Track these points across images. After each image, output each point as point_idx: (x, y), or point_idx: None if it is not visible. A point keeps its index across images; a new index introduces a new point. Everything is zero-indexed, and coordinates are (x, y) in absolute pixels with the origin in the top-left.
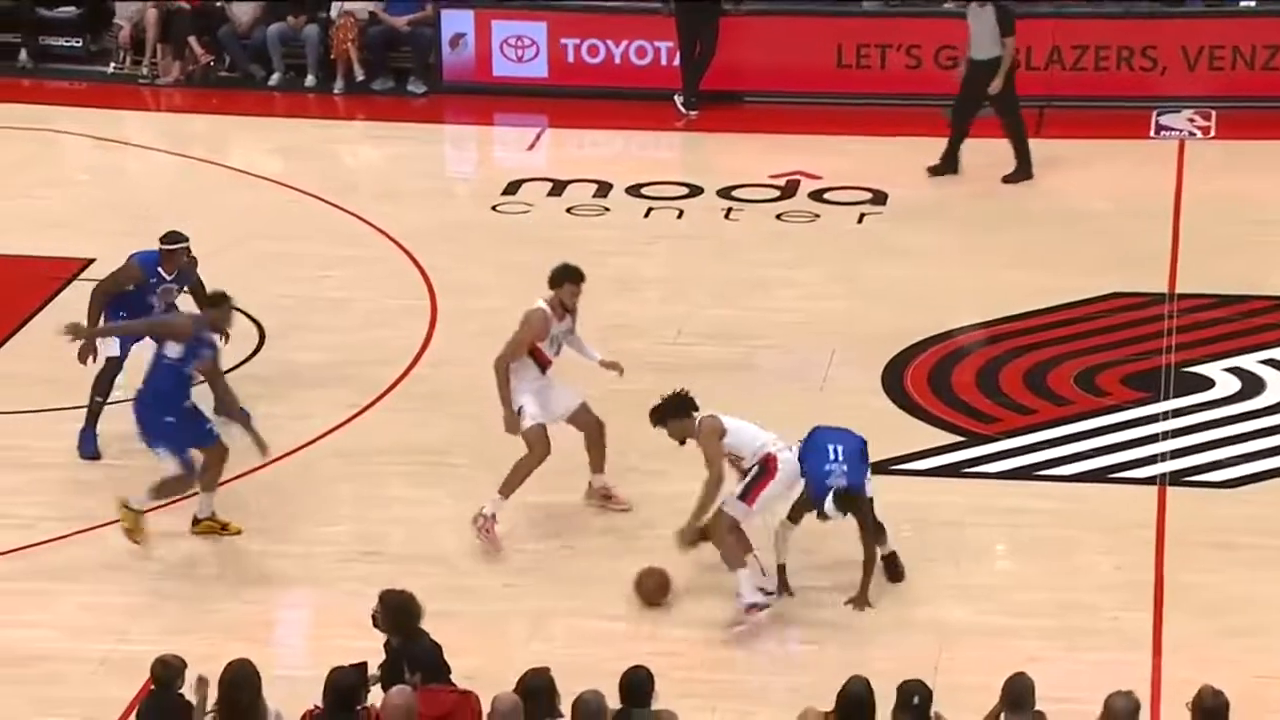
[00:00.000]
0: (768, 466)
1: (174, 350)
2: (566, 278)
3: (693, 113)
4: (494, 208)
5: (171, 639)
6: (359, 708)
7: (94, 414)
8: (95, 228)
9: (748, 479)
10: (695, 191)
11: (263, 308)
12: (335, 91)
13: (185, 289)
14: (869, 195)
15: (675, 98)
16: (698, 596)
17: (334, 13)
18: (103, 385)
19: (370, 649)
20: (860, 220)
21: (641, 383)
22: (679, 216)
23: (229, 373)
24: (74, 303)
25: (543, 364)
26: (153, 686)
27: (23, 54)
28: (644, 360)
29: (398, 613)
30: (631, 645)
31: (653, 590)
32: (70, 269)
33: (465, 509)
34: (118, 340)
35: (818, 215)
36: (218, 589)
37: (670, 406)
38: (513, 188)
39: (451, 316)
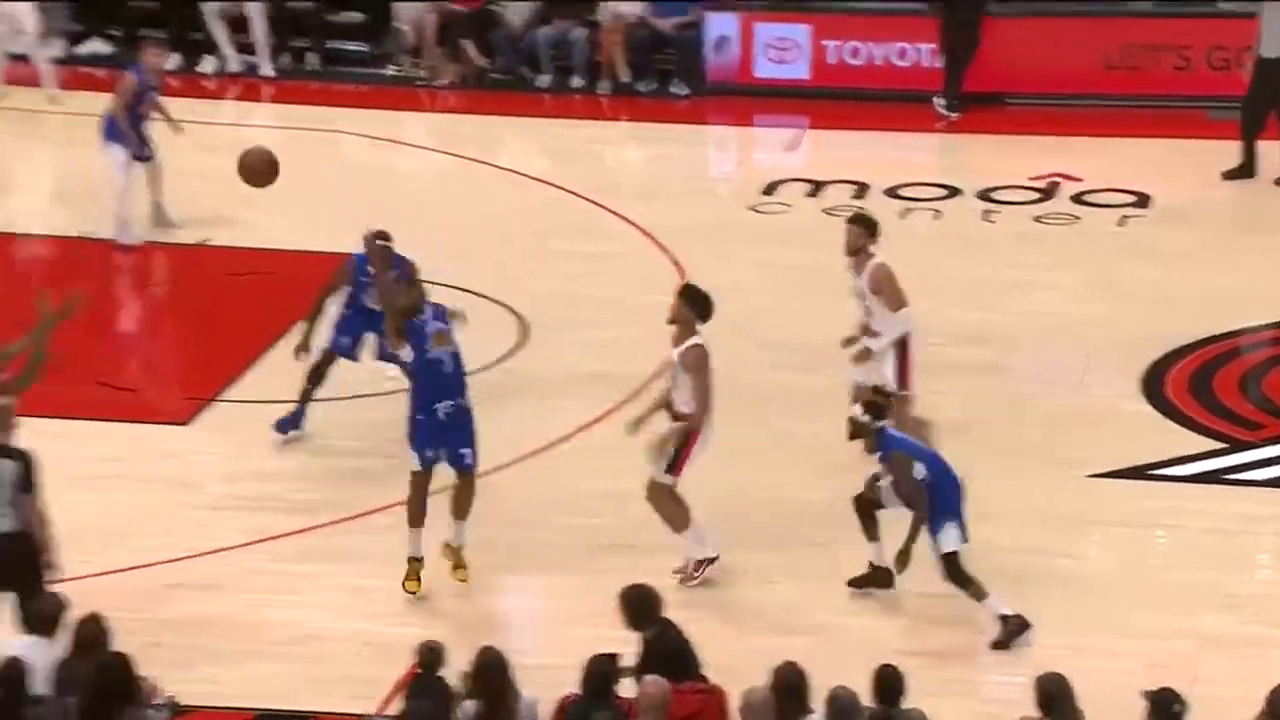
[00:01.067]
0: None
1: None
2: None
3: (953, 114)
4: (752, 208)
5: (433, 624)
6: (614, 696)
7: (306, 398)
8: (372, 222)
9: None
10: (953, 193)
11: (526, 303)
12: (601, 93)
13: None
14: (1132, 198)
15: (935, 99)
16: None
17: (602, 17)
18: (316, 376)
19: (624, 640)
20: (1122, 223)
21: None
22: (936, 218)
23: (493, 365)
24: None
25: None
26: (418, 670)
27: (312, 58)
28: None
29: (638, 606)
30: (886, 639)
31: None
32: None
33: (718, 504)
34: (334, 332)
35: (1077, 218)
36: (477, 577)
37: None
38: (771, 188)
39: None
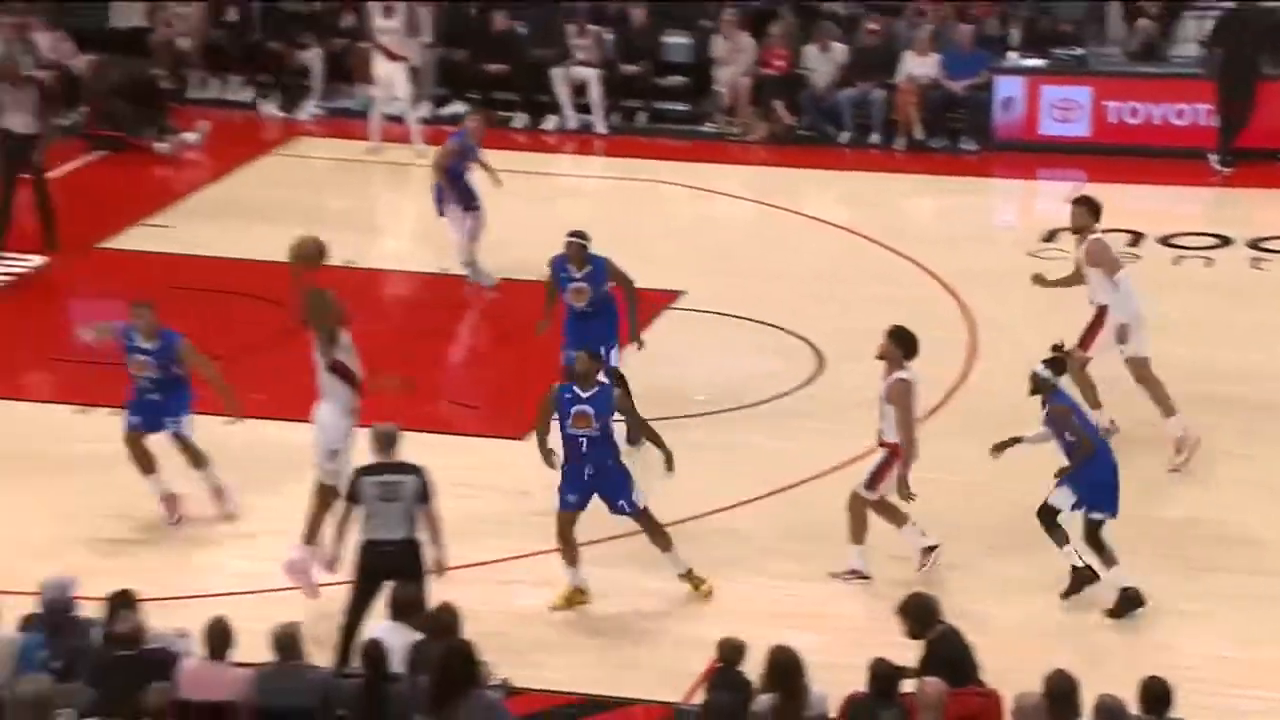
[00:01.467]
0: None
1: None
2: None
3: (1227, 170)
4: (1033, 254)
5: (734, 622)
6: (898, 695)
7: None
8: (687, 264)
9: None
10: (1225, 242)
11: (824, 338)
12: (896, 148)
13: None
14: None
15: (1210, 155)
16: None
17: (899, 79)
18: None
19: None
20: None
21: (1158, 419)
22: (1207, 265)
23: (792, 393)
24: (667, 330)
25: None
26: (719, 664)
27: (640, 116)
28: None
29: (919, 612)
30: (1142, 656)
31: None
32: (665, 299)
33: (999, 523)
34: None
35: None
36: (780, 585)
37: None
38: (1051, 236)
39: (988, 351)
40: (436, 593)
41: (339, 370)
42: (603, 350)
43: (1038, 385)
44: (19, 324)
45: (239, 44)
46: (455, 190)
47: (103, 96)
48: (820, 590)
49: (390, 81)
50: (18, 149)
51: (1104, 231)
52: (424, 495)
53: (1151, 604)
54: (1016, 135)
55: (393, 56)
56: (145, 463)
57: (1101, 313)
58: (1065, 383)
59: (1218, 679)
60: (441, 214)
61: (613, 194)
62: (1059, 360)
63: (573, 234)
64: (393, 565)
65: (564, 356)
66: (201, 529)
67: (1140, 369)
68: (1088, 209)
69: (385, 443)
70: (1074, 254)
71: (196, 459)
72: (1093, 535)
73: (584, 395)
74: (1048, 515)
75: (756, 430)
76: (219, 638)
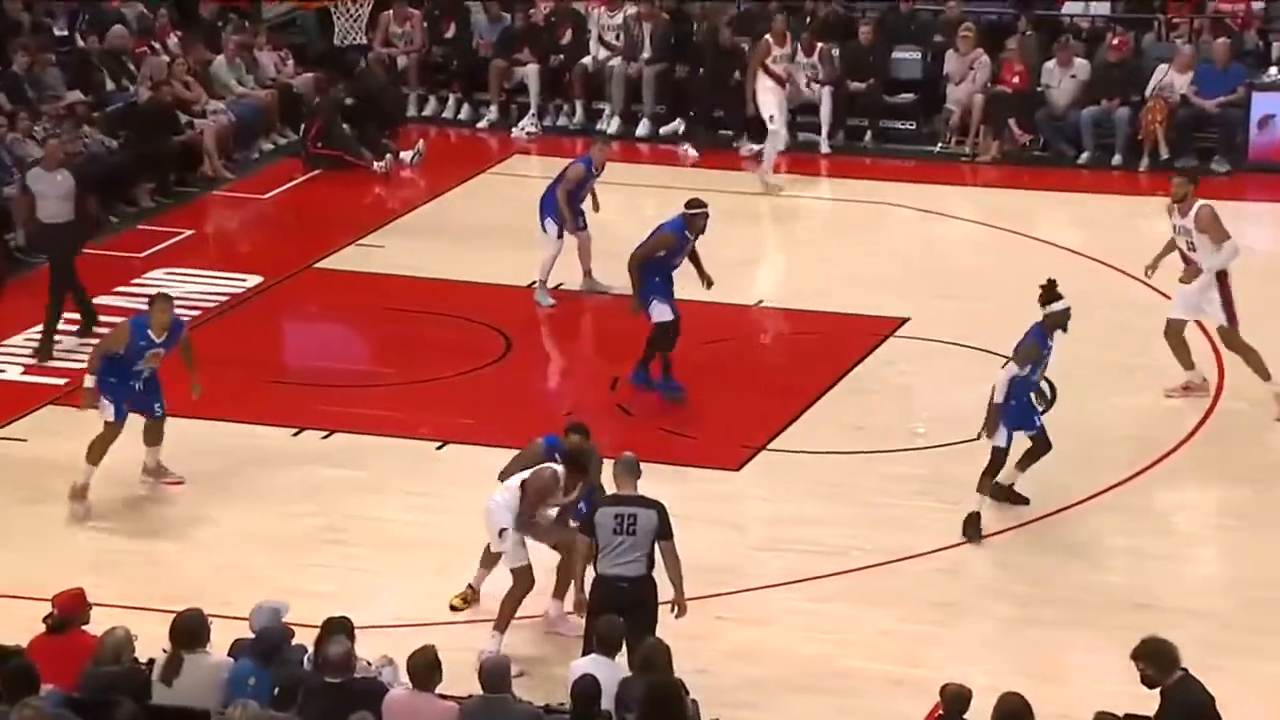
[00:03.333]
0: None
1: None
2: None
3: None
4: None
5: (956, 668)
6: None
7: (666, 369)
8: (912, 289)
9: None
10: None
11: (1059, 369)
12: (1140, 169)
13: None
14: None
15: None
16: None
17: (1147, 94)
18: (662, 342)
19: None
20: None
21: None
22: None
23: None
24: (891, 356)
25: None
26: (941, 713)
27: (868, 135)
28: None
29: (1156, 657)
30: None
31: None
32: (888, 326)
33: (1240, 569)
34: (667, 305)
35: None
36: (1007, 628)
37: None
38: None
39: (1237, 388)
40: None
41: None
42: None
43: (1062, 319)
44: (235, 346)
45: (458, 61)
46: (570, 211)
47: (324, 115)
48: (1046, 634)
49: (785, 108)
50: (50, 240)
51: None
52: (664, 531)
53: None
54: (1273, 156)
55: (782, 82)
56: (101, 453)
57: (1223, 277)
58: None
59: None
60: (545, 230)
61: (836, 216)
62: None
63: (693, 205)
64: (627, 602)
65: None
66: (412, 554)
67: (1229, 337)
68: (1187, 177)
69: (626, 473)
70: (1175, 222)
71: (156, 437)
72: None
73: None
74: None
75: (981, 463)
76: (426, 668)
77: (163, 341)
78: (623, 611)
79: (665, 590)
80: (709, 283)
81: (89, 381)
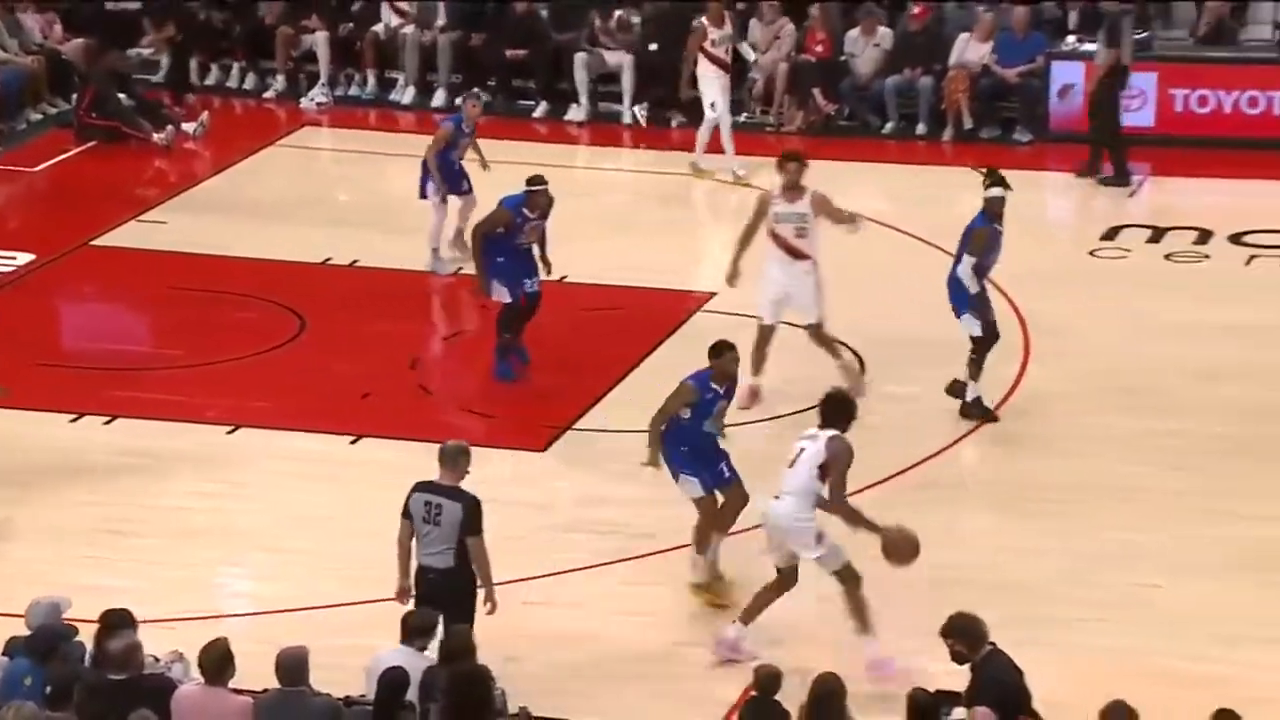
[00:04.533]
0: None
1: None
2: (788, 159)
3: None
4: (1091, 252)
5: (768, 648)
6: None
7: (503, 349)
8: (720, 266)
9: None
10: None
11: (865, 342)
12: (944, 139)
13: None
14: None
15: None
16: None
17: (951, 62)
18: (505, 322)
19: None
20: None
21: (1230, 427)
22: None
23: None
24: (700, 334)
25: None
26: (755, 693)
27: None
28: (1236, 407)
29: (965, 634)
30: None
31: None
32: (695, 301)
33: (1050, 541)
34: (506, 288)
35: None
36: (817, 607)
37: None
38: (1111, 233)
39: (1044, 357)
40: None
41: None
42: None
43: (999, 206)
44: (4, 328)
45: (240, 28)
46: (443, 175)
47: (97, 83)
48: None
49: (726, 93)
50: None
51: (1168, 230)
52: (470, 527)
53: (1229, 630)
54: (1074, 125)
55: (726, 68)
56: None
57: None
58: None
59: None
60: (424, 196)
61: (641, 186)
62: (1002, 176)
63: (534, 181)
64: (437, 593)
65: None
66: (200, 545)
67: None
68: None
69: (446, 461)
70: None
71: None
72: None
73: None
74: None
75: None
76: (218, 661)
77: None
78: (434, 602)
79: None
80: (547, 267)
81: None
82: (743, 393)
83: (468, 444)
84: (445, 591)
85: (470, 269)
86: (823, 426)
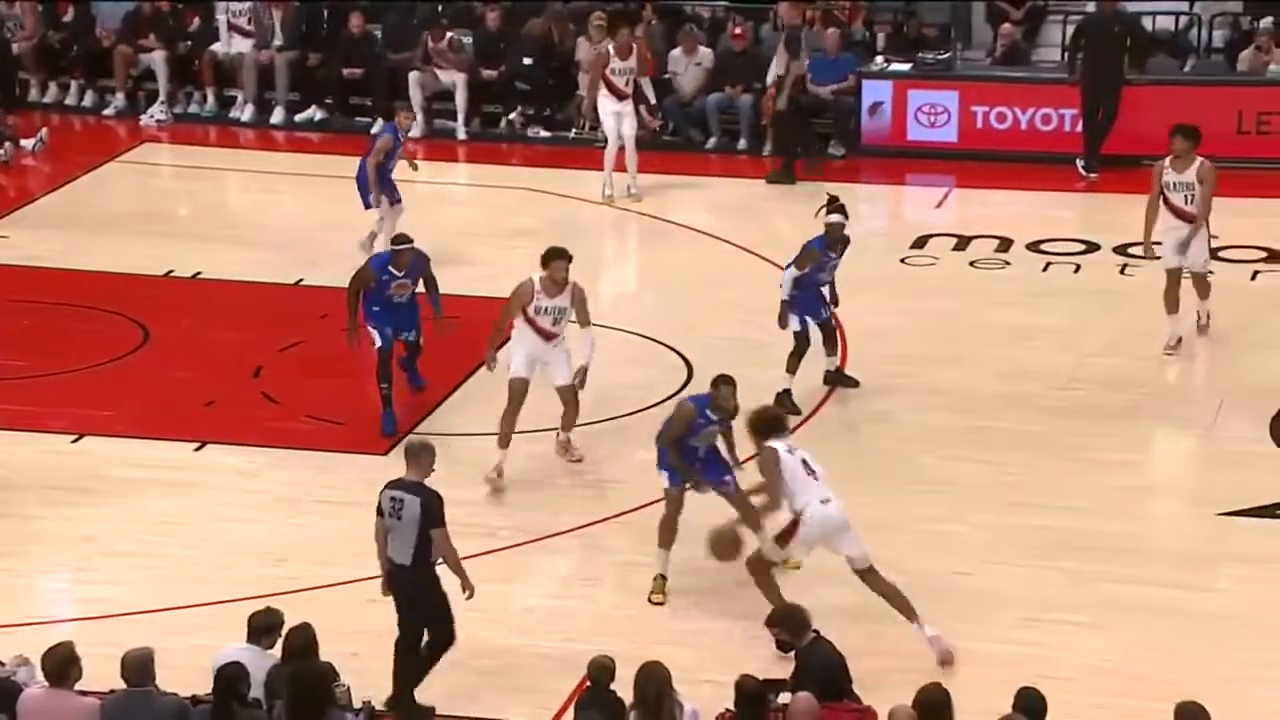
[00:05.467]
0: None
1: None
2: (553, 256)
3: (1093, 175)
4: (902, 260)
5: (600, 640)
6: (767, 712)
7: (385, 398)
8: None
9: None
10: (1092, 248)
11: (696, 348)
12: (764, 154)
13: (417, 280)
14: (1264, 254)
15: (1077, 161)
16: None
17: (769, 80)
18: (382, 372)
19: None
20: (1254, 277)
21: (1032, 424)
22: (1076, 271)
23: (662, 404)
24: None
25: (540, 331)
26: (589, 683)
27: (502, 121)
28: (1036, 404)
29: (788, 623)
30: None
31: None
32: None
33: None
34: (377, 332)
35: (1211, 272)
36: (624, 600)
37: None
38: (920, 242)
39: (860, 358)
40: (293, 613)
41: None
42: (412, 334)
43: (838, 233)
44: None
45: (78, 46)
46: (382, 185)
47: None
48: (690, 605)
49: (620, 119)
50: None
51: (972, 238)
52: (431, 520)
53: (1034, 614)
54: (884, 140)
55: (622, 96)
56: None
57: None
58: None
59: (1097, 689)
60: (369, 206)
61: (475, 200)
62: (842, 205)
63: (399, 240)
64: (402, 587)
65: (381, 334)
66: (45, 549)
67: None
68: (1185, 136)
69: (409, 456)
70: (1171, 179)
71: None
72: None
73: (716, 420)
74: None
75: (626, 442)
76: (62, 664)
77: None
78: (402, 596)
79: None
80: (437, 315)
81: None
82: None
83: (430, 441)
84: (410, 585)
85: None
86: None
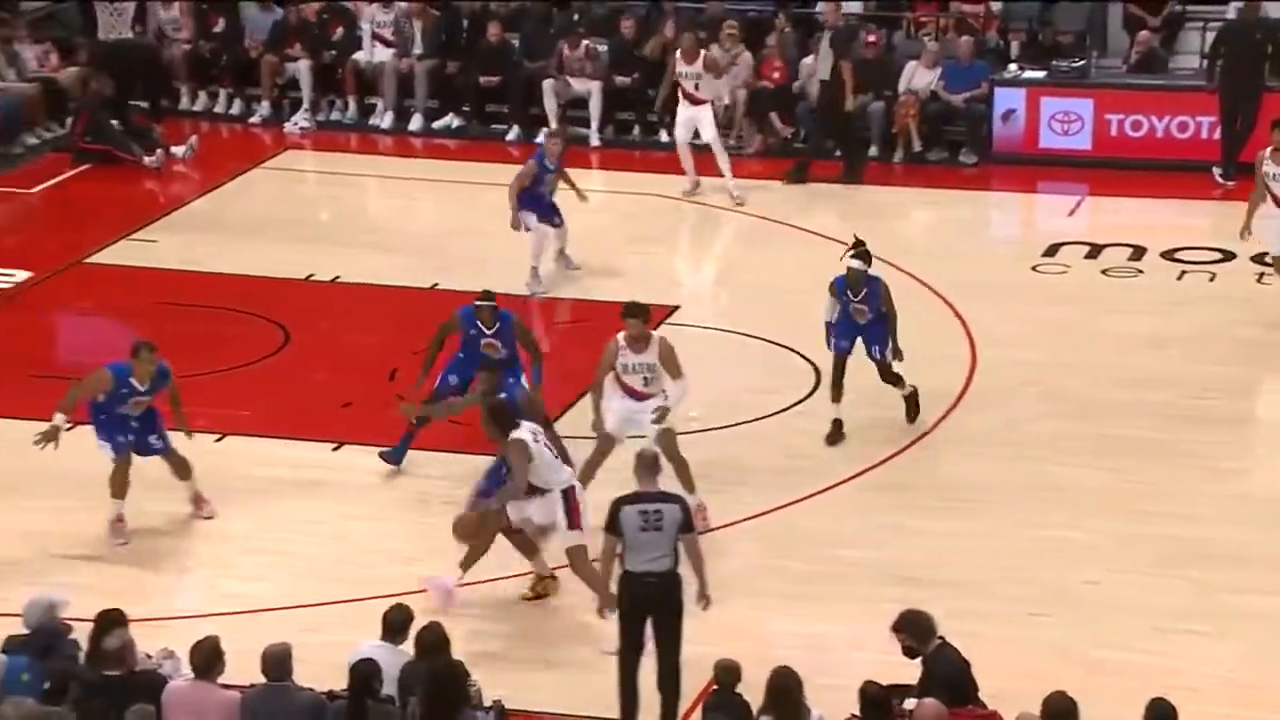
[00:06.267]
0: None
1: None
2: (625, 314)
3: (1230, 183)
4: (1034, 268)
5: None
6: (892, 716)
7: (408, 435)
8: (681, 280)
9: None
10: (1228, 257)
11: (822, 354)
12: (895, 161)
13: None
14: None
15: (1214, 169)
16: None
17: (901, 88)
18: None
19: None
20: None
21: (1161, 432)
22: (1211, 280)
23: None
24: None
25: (630, 392)
26: (716, 686)
27: (635, 129)
28: (1166, 412)
29: (914, 629)
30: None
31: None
32: (660, 315)
33: (990, 541)
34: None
35: None
36: (774, 603)
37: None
38: (1052, 250)
39: (989, 365)
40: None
41: None
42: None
43: (856, 277)
44: (2, 343)
45: (227, 56)
46: (535, 209)
47: (90, 110)
48: (815, 609)
49: (692, 124)
50: None
51: (1104, 246)
52: (687, 525)
53: (1161, 623)
54: (1016, 148)
55: (695, 101)
56: (123, 485)
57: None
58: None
59: (1226, 699)
60: (520, 227)
61: (608, 207)
62: (865, 251)
63: (483, 297)
64: (656, 597)
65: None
66: (189, 547)
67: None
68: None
69: (645, 469)
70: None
71: (183, 469)
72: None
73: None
74: (889, 373)
75: (753, 446)
76: (208, 657)
77: (147, 390)
78: (652, 607)
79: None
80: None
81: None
82: None
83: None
84: (669, 593)
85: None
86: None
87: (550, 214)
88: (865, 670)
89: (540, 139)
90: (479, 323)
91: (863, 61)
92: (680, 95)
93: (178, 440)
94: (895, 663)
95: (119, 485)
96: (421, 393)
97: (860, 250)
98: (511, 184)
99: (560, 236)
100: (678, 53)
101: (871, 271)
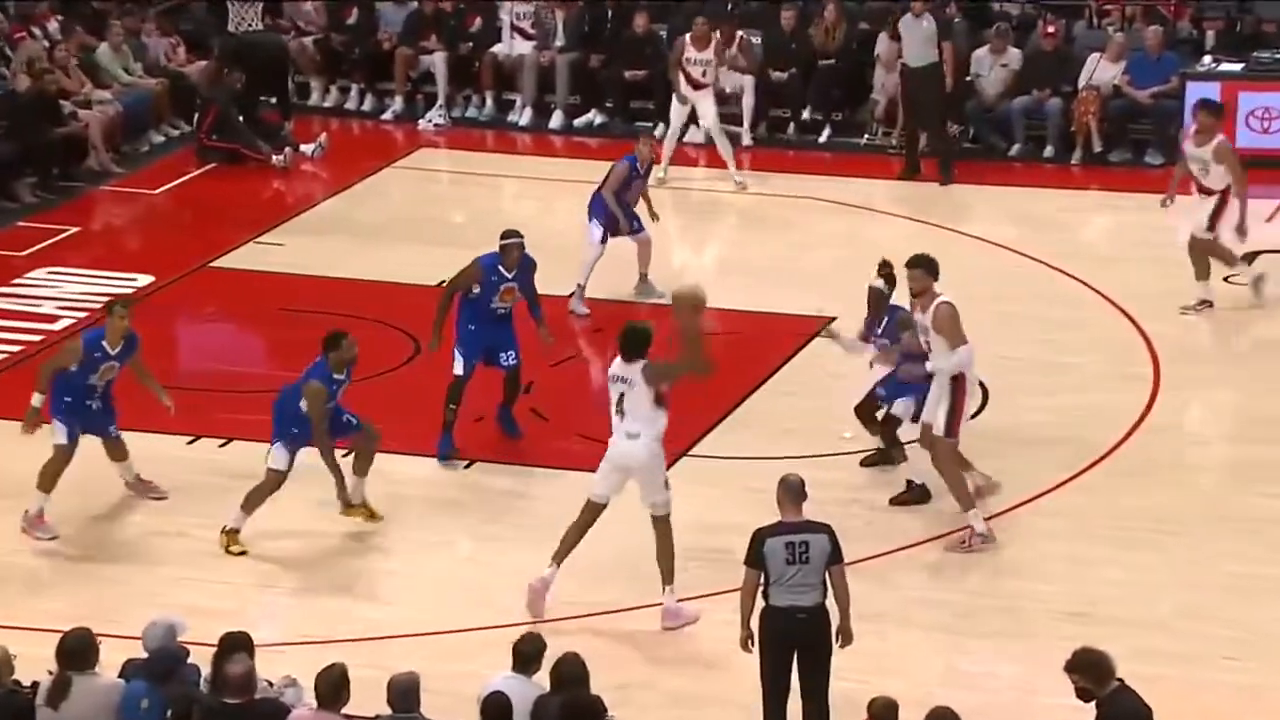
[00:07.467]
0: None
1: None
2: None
3: None
4: (1226, 279)
5: (884, 679)
6: None
7: (449, 423)
8: (837, 288)
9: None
10: None
11: (987, 368)
12: (1073, 162)
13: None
14: None
15: None
16: None
17: (1081, 83)
18: (453, 394)
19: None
20: None
21: None
22: None
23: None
24: (814, 359)
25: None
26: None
27: (790, 127)
28: None
29: (1091, 670)
30: None
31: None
32: (814, 325)
33: (1177, 575)
34: (462, 359)
35: None
36: (930, 636)
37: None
38: (1248, 258)
39: (1174, 384)
40: (559, 641)
41: (664, 401)
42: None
43: (878, 300)
44: None
45: (360, 49)
46: (623, 213)
47: (218, 105)
48: (981, 645)
49: (697, 109)
50: None
51: None
52: (836, 555)
53: None
54: None
55: (698, 85)
56: (53, 481)
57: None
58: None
59: None
60: (591, 233)
61: (757, 210)
62: (891, 275)
63: (507, 235)
64: (805, 633)
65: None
66: (314, 570)
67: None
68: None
69: (790, 497)
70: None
71: (122, 453)
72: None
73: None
74: (891, 426)
75: (911, 470)
76: (333, 687)
77: (117, 354)
78: (801, 643)
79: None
80: (545, 337)
81: (36, 400)
82: None
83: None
84: (819, 628)
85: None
86: (630, 362)
87: (630, 221)
88: (1034, 714)
89: (639, 142)
90: (501, 267)
91: (1038, 53)
92: (683, 81)
93: (161, 420)
94: (1069, 706)
95: (49, 479)
96: (436, 355)
97: (886, 270)
98: (605, 188)
99: (643, 258)
100: (687, 38)
101: (894, 301)
